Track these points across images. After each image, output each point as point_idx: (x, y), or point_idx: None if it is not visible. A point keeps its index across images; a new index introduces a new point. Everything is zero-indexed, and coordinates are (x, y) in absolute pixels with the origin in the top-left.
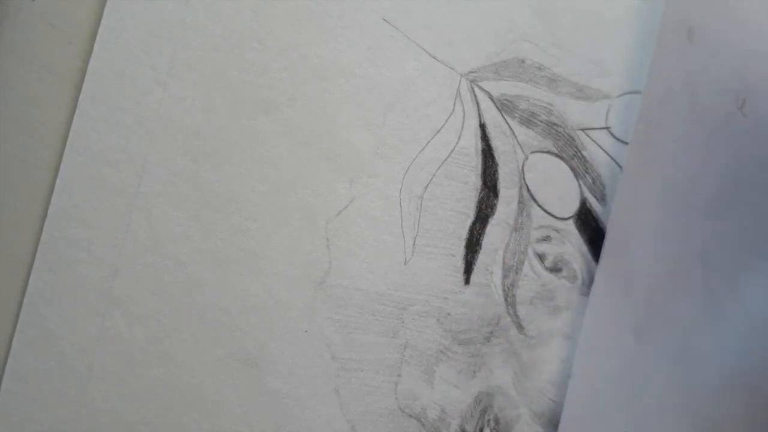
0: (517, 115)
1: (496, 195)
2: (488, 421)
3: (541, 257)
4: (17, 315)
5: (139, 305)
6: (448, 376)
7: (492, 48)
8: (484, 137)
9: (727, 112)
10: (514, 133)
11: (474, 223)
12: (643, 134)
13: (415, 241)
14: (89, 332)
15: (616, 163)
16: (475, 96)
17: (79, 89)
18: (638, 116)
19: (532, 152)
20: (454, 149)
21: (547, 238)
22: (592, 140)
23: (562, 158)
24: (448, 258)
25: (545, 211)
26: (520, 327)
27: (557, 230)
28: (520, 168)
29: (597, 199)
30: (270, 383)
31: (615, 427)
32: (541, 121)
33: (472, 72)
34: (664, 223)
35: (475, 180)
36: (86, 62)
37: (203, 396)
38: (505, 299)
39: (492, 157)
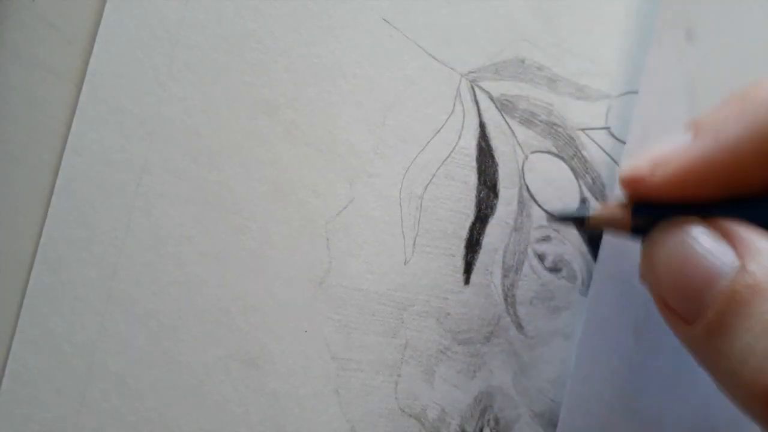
0: (517, 115)
1: (496, 195)
2: (488, 420)
3: (541, 257)
4: (17, 315)
5: (139, 305)
6: (448, 376)
7: (492, 48)
8: (484, 137)
9: None
10: (514, 133)
11: (474, 223)
12: (640, 135)
13: (415, 241)
14: (89, 332)
15: (616, 163)
16: (475, 96)
17: (79, 89)
18: (634, 117)
19: (532, 152)
20: (454, 149)
21: (546, 238)
22: (592, 140)
23: (562, 158)
24: (448, 258)
25: (545, 211)
26: (519, 327)
27: (557, 230)
28: (520, 168)
29: (597, 199)
30: (270, 383)
31: (614, 427)
32: (541, 121)
33: (472, 72)
34: None
35: (474, 180)
36: (86, 62)
37: (203, 396)
38: (505, 299)
39: (492, 157)
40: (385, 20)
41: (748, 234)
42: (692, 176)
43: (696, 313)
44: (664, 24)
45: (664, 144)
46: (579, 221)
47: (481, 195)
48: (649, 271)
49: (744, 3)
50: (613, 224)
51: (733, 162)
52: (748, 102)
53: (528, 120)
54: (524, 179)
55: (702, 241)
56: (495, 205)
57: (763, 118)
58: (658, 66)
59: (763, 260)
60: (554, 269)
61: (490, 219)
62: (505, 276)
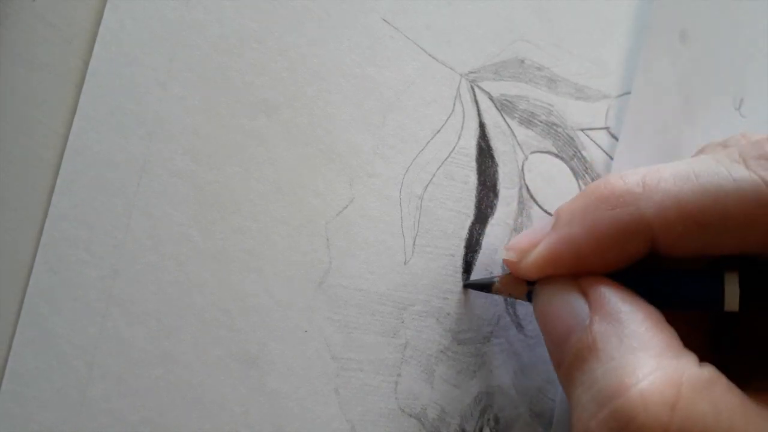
0: (516, 115)
1: (495, 195)
2: (488, 420)
3: None
4: (17, 315)
5: (139, 305)
6: (448, 375)
7: (492, 48)
8: (484, 137)
9: (723, 114)
10: (513, 134)
11: (474, 224)
12: (632, 135)
13: (415, 241)
14: (89, 332)
15: None
16: (475, 96)
17: (79, 89)
18: (626, 117)
19: (532, 152)
20: (454, 149)
21: None
22: (592, 140)
23: (561, 158)
24: (448, 258)
25: (545, 211)
26: (519, 327)
27: None
28: (520, 168)
29: None
30: (270, 383)
31: None
32: (541, 122)
33: (471, 72)
34: None
35: (474, 180)
36: (86, 62)
37: (203, 396)
38: (505, 299)
39: (492, 157)
40: (385, 20)
41: (603, 292)
42: (546, 263)
43: (560, 361)
44: (657, 25)
45: (533, 232)
46: (486, 287)
47: (481, 195)
48: (537, 322)
49: (737, 5)
50: (512, 291)
51: (575, 253)
52: (591, 200)
53: (528, 120)
54: (524, 179)
55: (563, 298)
56: (495, 205)
57: (595, 217)
58: (652, 66)
59: (604, 320)
60: None
61: (489, 219)
62: None
